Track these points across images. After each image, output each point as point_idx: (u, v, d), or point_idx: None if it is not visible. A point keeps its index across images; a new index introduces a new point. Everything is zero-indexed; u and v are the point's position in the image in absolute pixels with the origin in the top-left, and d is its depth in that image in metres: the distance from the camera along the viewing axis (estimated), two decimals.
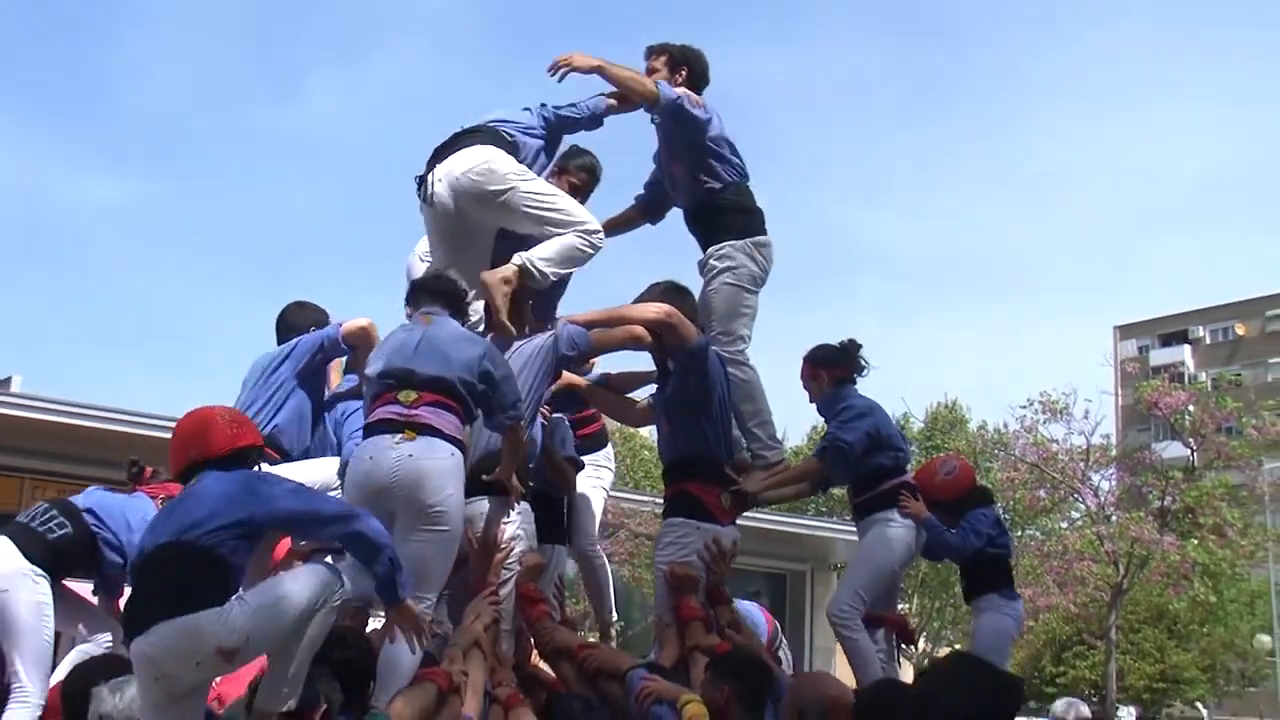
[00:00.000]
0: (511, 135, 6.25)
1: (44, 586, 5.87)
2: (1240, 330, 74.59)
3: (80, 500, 6.26)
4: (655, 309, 6.12)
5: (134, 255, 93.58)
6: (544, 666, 5.72)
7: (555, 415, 6.57)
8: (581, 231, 6.11)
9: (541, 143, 6.41)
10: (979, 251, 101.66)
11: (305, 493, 4.70)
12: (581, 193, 6.81)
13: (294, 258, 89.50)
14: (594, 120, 6.62)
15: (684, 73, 6.88)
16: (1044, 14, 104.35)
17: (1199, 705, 48.36)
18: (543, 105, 6.49)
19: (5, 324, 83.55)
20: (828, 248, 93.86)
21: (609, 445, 7.56)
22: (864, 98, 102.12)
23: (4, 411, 17.68)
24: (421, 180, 6.24)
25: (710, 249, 6.78)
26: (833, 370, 6.92)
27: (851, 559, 6.98)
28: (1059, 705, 10.48)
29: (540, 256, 5.98)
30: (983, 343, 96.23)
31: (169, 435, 4.93)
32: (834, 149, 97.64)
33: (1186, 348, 74.75)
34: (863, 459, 6.69)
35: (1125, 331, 75.27)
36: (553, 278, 6.10)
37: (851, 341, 7.03)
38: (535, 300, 6.32)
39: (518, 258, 5.94)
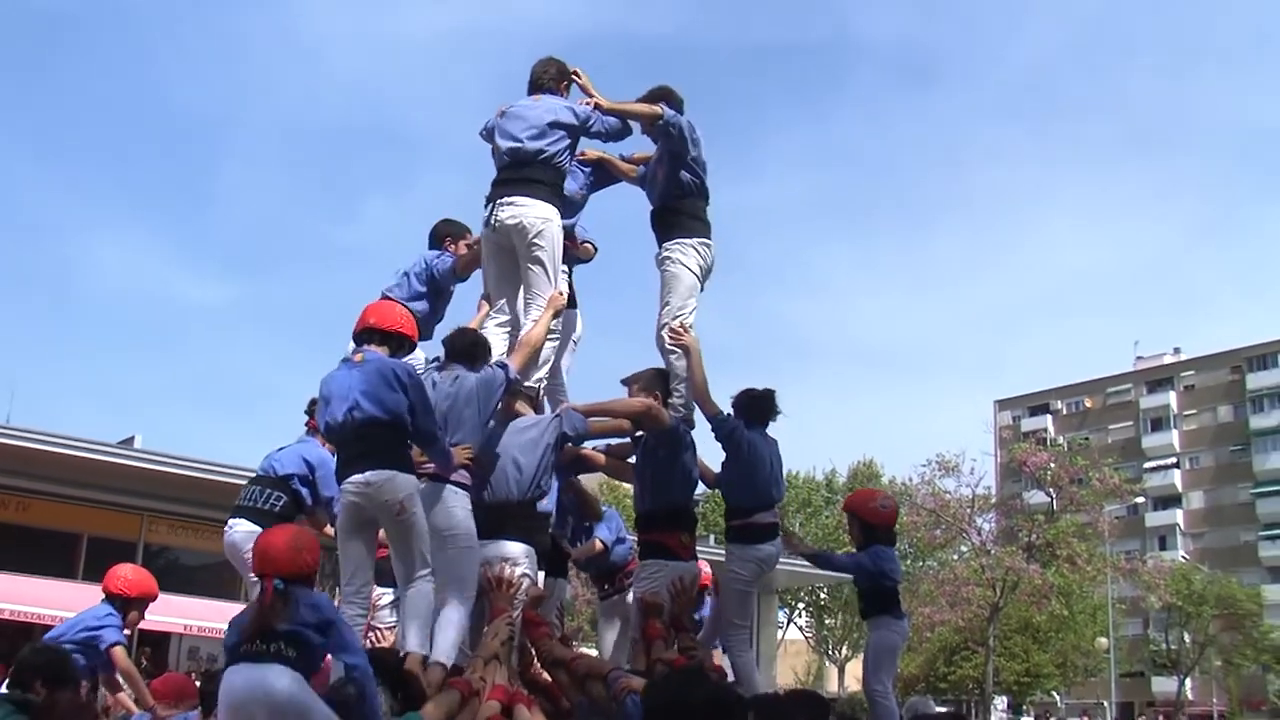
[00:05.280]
0: (564, 174, 6.29)
1: None
2: (1088, 403, 74.89)
3: (272, 469, 6.33)
4: (639, 403, 6.06)
5: (231, 338, 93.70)
6: (544, 674, 5.65)
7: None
8: (557, 314, 6.07)
9: (570, 154, 6.39)
10: (891, 339, 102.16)
11: None
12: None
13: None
14: (611, 138, 6.60)
15: (662, 105, 6.64)
16: (944, 148, 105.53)
17: (1054, 693, 48.41)
18: (593, 110, 6.38)
19: (131, 392, 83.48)
20: (776, 337, 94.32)
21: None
22: (804, 217, 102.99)
23: (128, 463, 17.59)
24: (490, 204, 6.17)
25: (666, 244, 6.60)
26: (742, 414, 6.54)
27: (724, 591, 6.62)
28: (915, 703, 10.09)
29: (521, 373, 5.88)
30: (893, 413, 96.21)
31: None
32: (782, 258, 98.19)
33: (1049, 417, 74.94)
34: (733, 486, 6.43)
35: (1002, 404, 75.47)
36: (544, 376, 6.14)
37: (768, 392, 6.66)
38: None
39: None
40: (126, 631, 6.50)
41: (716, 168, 6.78)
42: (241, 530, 6.17)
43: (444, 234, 7.11)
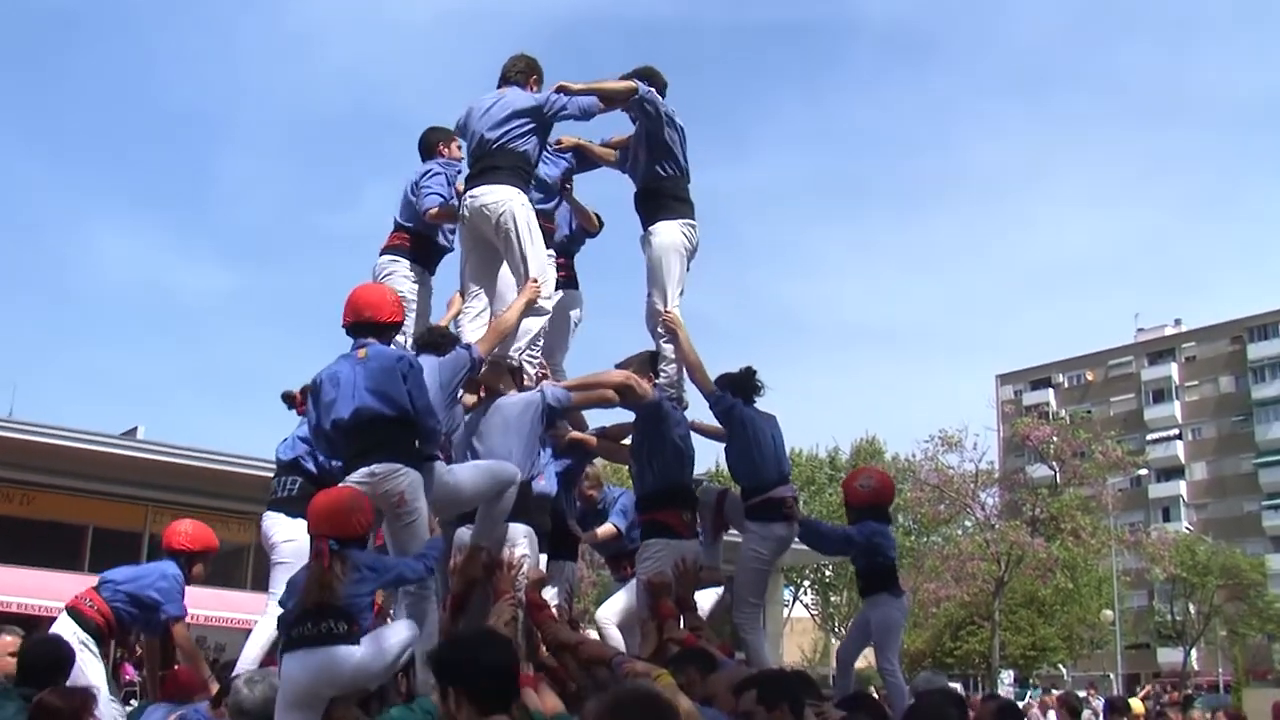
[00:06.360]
0: (528, 157, 6.19)
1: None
2: (1090, 377, 74.82)
3: (280, 458, 6.27)
4: (619, 376, 6.11)
5: (232, 328, 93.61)
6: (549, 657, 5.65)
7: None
8: (530, 303, 5.97)
9: (537, 139, 6.28)
10: (890, 317, 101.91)
11: None
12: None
13: None
14: (585, 117, 6.43)
15: (637, 80, 6.60)
16: (940, 125, 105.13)
17: (1060, 666, 48.50)
18: (555, 94, 6.25)
19: (132, 384, 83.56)
20: (772, 316, 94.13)
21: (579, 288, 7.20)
22: (800, 196, 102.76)
23: (131, 454, 17.64)
24: (460, 200, 6.22)
25: (651, 225, 6.59)
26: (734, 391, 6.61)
27: (739, 569, 6.59)
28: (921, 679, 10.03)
29: (488, 356, 5.86)
30: (895, 390, 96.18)
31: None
32: (778, 238, 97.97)
33: (1050, 391, 74.89)
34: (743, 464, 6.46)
35: (1004, 379, 75.43)
36: (536, 353, 6.12)
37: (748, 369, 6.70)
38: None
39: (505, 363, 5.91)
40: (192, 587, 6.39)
41: (712, 148, 6.93)
42: (268, 520, 6.20)
43: (434, 141, 6.90)
